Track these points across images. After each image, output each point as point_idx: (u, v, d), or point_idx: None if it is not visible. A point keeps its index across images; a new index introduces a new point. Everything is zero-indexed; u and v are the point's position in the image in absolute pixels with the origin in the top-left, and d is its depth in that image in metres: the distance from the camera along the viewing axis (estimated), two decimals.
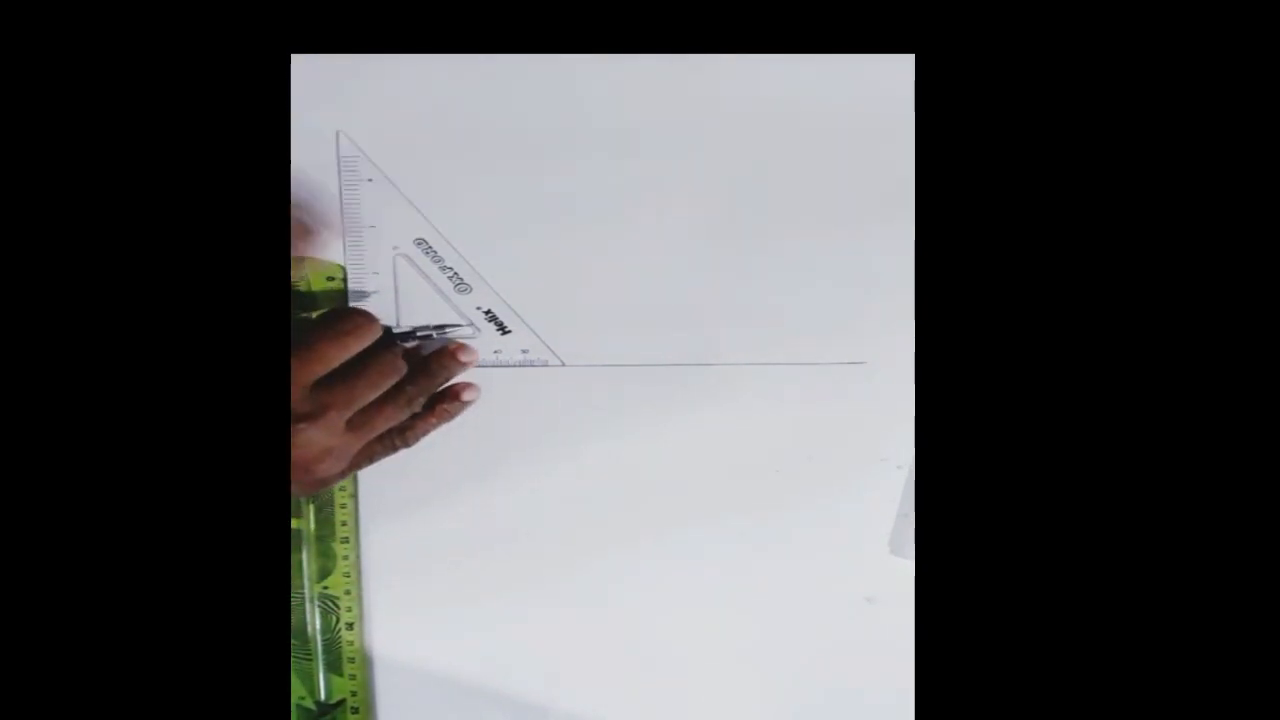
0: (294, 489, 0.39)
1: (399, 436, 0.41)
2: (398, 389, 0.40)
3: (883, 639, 0.44)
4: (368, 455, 0.41)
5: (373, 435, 0.40)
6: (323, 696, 0.45)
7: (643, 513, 0.44)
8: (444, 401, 0.42)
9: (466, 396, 0.42)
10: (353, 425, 0.38)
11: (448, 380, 0.42)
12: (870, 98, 0.39)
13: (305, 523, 0.44)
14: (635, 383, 0.42)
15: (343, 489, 0.44)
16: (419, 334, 0.41)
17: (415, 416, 0.41)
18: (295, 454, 0.37)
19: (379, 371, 0.39)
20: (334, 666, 0.45)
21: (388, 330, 0.40)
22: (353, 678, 0.45)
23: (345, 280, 0.41)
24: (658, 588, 0.45)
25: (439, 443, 0.42)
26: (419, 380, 0.41)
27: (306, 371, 0.37)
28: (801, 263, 0.41)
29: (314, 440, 0.37)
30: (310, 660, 0.45)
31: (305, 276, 0.41)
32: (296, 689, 0.45)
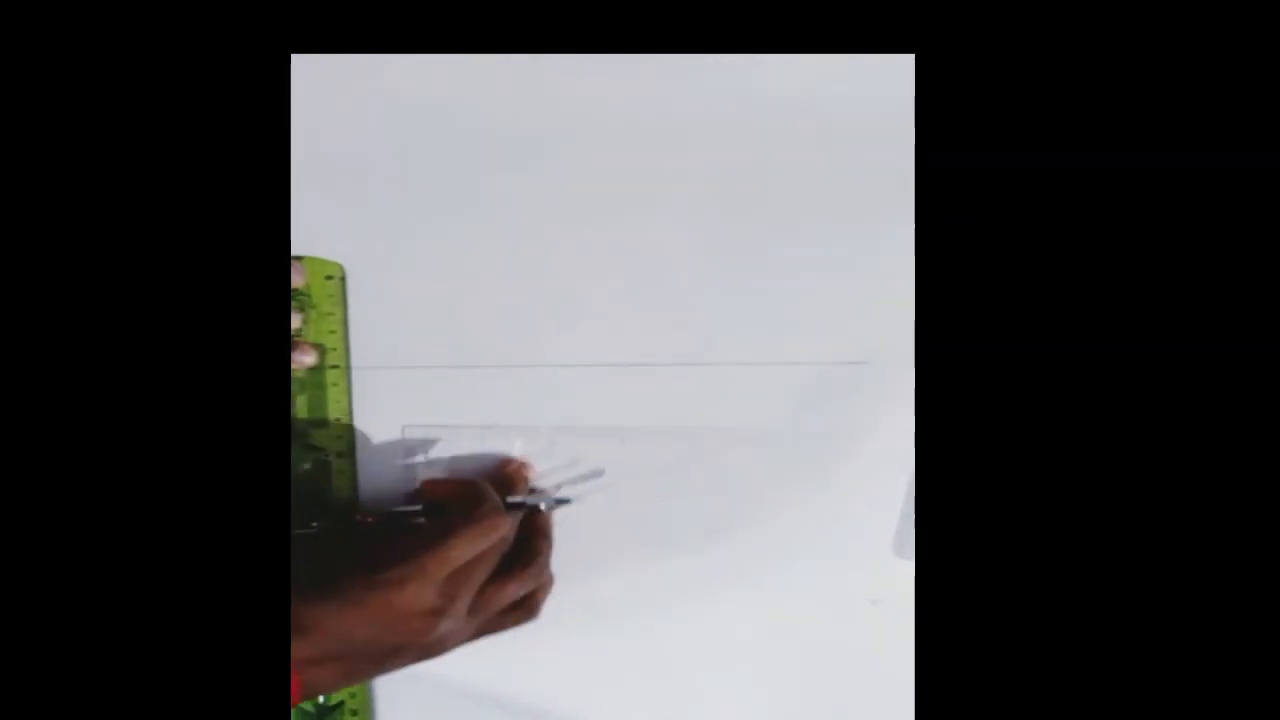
0: (416, 659, 0.38)
1: (525, 614, 0.41)
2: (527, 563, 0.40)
3: (886, 641, 0.44)
4: (497, 627, 0.41)
5: (492, 613, 0.39)
6: (322, 698, 0.45)
7: (641, 513, 0.44)
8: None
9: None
10: (474, 610, 0.38)
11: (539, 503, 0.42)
12: (870, 98, 0.39)
13: None
14: (635, 383, 0.42)
15: (341, 486, 0.43)
16: (530, 502, 0.41)
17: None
18: (424, 640, 0.37)
19: (492, 548, 0.38)
20: None
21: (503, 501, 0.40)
22: None
23: (344, 280, 0.41)
24: (657, 589, 0.45)
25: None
26: (536, 542, 0.41)
27: (440, 568, 0.36)
28: (801, 263, 0.41)
29: (447, 637, 0.37)
30: None
31: (305, 280, 0.41)
32: None
